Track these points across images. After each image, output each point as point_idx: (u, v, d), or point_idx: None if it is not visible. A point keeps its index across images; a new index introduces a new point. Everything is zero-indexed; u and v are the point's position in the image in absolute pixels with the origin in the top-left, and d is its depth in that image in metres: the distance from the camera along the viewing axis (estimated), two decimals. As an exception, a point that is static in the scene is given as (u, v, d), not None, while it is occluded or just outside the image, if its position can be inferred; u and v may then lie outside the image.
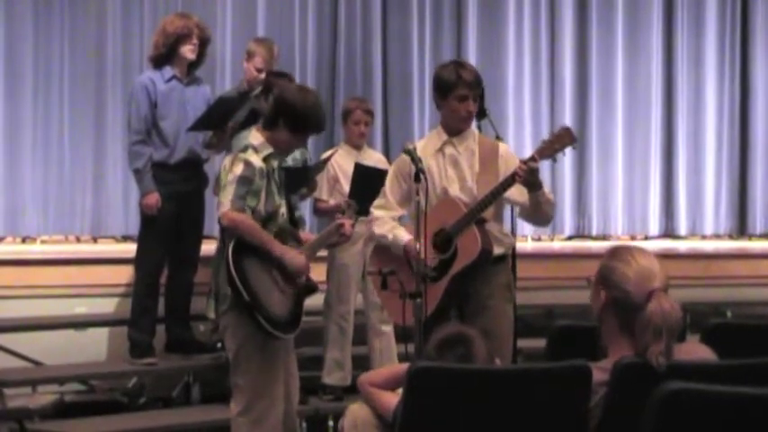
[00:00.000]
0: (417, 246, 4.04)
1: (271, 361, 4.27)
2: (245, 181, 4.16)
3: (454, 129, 4.54)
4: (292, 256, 4.26)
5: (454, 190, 4.48)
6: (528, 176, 4.21)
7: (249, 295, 4.12)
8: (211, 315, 5.40)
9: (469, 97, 4.45)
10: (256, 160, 4.21)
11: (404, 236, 4.45)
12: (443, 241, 4.38)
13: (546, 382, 2.89)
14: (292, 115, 4.28)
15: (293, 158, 5.71)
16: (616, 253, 3.00)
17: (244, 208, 4.15)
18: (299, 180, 5.45)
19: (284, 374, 4.36)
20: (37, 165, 7.60)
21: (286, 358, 4.38)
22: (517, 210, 4.63)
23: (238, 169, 4.18)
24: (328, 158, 5.76)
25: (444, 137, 4.55)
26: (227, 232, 4.22)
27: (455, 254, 4.37)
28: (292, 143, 4.39)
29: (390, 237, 4.49)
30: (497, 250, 4.46)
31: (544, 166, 4.29)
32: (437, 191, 4.47)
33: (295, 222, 4.47)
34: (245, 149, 4.27)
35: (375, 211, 4.62)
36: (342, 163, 5.82)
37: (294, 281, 4.29)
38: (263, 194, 4.22)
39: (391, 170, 4.69)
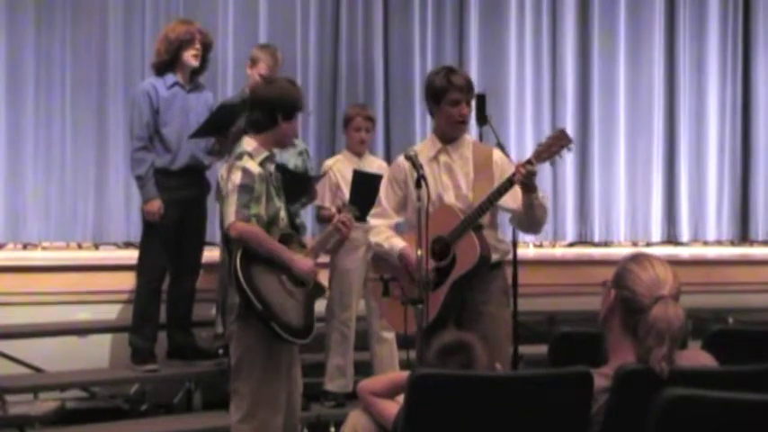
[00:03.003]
0: (418, 252, 4.04)
1: (274, 369, 4.24)
2: (245, 189, 4.15)
3: (448, 135, 4.53)
4: (300, 261, 4.27)
5: (449, 197, 4.47)
6: (525, 179, 4.21)
7: (262, 304, 4.11)
8: (220, 330, 5.42)
9: (462, 101, 4.45)
10: (253, 166, 4.21)
11: (399, 243, 4.45)
12: (441, 249, 4.37)
13: (547, 388, 2.88)
14: (287, 105, 4.32)
15: (294, 166, 5.74)
16: (636, 258, 3.00)
17: (249, 217, 4.15)
18: (300, 188, 5.45)
19: (288, 383, 4.34)
20: (39, 171, 7.60)
21: (290, 367, 4.36)
22: (508, 217, 4.61)
23: (237, 178, 4.17)
24: (327, 171, 5.82)
25: (438, 145, 4.54)
26: (235, 243, 4.20)
27: (453, 261, 4.36)
28: (293, 130, 4.46)
29: (386, 246, 4.49)
30: (493, 257, 4.45)
31: (546, 174, 4.28)
32: (432, 198, 4.46)
33: (296, 228, 4.46)
34: (240, 157, 4.25)
35: (371, 220, 4.62)
36: (343, 170, 5.83)
37: (303, 284, 4.30)
38: (263, 199, 4.21)
39: (385, 177, 4.68)
